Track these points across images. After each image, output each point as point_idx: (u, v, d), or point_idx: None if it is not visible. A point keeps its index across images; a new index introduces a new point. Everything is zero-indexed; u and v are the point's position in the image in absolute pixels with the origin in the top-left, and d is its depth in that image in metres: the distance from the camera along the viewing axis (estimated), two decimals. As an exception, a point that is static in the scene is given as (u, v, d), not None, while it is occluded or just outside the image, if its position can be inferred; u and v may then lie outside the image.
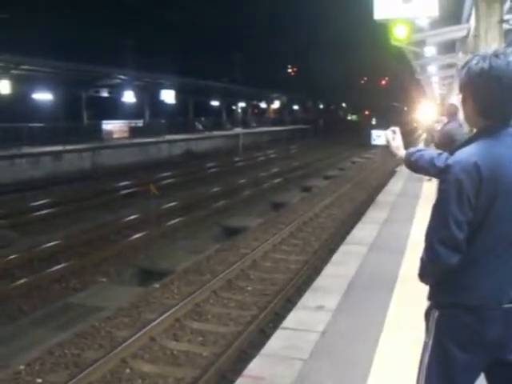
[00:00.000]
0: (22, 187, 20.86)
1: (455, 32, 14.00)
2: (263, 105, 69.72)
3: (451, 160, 2.20)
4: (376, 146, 3.45)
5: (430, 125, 17.79)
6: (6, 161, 23.75)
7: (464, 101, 2.30)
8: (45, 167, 25.47)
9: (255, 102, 67.32)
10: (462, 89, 2.30)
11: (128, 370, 6.28)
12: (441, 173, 2.29)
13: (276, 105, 71.04)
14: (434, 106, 31.33)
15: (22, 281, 9.55)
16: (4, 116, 28.15)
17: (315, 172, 27.64)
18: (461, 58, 14.18)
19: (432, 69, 21.89)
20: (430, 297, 2.35)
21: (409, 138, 33.18)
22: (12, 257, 10.98)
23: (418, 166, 2.83)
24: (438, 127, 10.53)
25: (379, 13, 9.31)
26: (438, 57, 17.69)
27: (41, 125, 30.50)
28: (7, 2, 33.84)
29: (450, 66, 19.49)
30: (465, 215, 2.13)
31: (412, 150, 2.89)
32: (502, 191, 2.13)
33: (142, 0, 46.04)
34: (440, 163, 2.59)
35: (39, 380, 6.11)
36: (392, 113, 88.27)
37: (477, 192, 2.12)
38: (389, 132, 3.06)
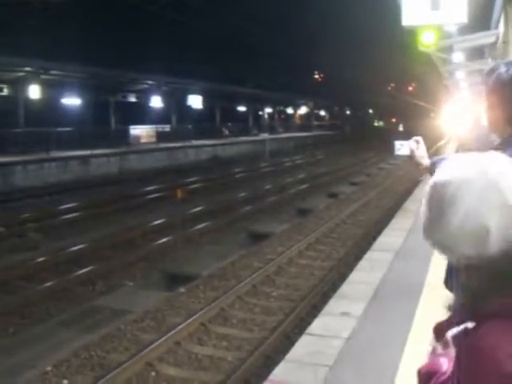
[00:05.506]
0: (51, 191, 21.17)
1: (484, 38, 13.85)
2: (290, 110, 69.73)
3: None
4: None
5: (464, 136, 15.01)
6: (35, 164, 24.10)
7: (491, 108, 2.28)
8: (73, 171, 25.79)
9: (282, 108, 67.37)
10: (490, 96, 2.27)
11: (153, 373, 6.34)
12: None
13: (303, 110, 71.00)
14: (463, 114, 30.76)
15: (49, 283, 9.67)
16: (33, 120, 28.51)
17: (342, 178, 27.49)
18: (490, 64, 14.02)
19: (460, 75, 21.67)
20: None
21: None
22: (40, 260, 11.14)
23: None
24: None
25: (407, 19, 9.25)
26: (466, 63, 17.49)
27: (69, 129, 30.82)
28: (35, 9, 34.33)
29: (479, 72, 19.28)
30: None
31: (436, 158, 2.87)
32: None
33: (168, 7, 46.40)
34: None
35: (65, 381, 6.19)
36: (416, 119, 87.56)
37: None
38: (412, 142, 3.04)
